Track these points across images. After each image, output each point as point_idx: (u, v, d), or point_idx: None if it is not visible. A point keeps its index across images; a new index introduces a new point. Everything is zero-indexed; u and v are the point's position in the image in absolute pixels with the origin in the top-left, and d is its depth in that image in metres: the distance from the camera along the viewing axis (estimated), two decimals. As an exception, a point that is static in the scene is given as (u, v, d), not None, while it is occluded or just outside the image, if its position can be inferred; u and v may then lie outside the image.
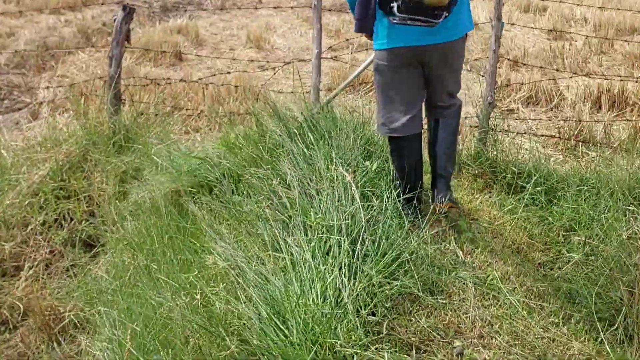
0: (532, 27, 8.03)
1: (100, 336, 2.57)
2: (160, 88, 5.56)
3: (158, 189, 3.06)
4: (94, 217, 3.73)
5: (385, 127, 2.92)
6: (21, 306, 3.11)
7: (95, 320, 2.80)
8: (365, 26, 2.81)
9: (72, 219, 3.73)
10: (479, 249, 2.88)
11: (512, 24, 6.93)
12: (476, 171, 3.85)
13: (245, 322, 1.87)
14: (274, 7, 12.50)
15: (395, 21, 2.68)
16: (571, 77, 5.49)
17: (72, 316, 3.00)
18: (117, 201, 3.63)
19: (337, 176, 2.62)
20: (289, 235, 2.34)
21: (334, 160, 2.75)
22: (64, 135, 4.08)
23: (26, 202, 3.70)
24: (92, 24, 10.72)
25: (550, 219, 3.52)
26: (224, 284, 2.07)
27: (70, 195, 3.81)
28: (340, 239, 2.29)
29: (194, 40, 9.59)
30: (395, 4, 2.65)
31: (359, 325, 2.02)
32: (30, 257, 3.56)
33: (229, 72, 7.17)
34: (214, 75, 6.22)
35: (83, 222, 3.71)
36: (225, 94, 6.58)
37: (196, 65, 8.34)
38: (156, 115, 4.36)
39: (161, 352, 2.02)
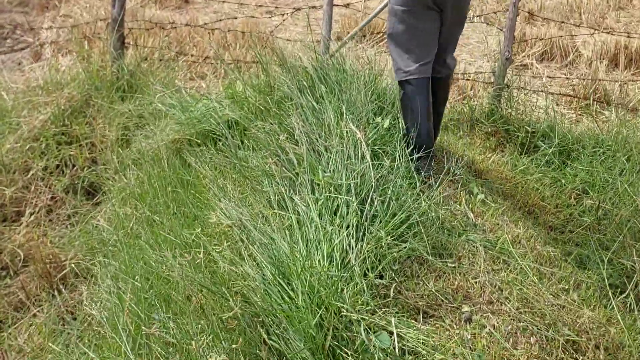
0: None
1: (100, 288, 2.53)
2: (165, 32, 5.39)
3: (161, 138, 2.96)
4: (96, 164, 3.66)
5: (401, 71, 2.82)
6: (21, 253, 3.07)
7: (96, 271, 2.75)
8: None
9: (74, 166, 3.66)
10: (490, 211, 2.80)
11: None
12: (489, 129, 3.74)
13: (249, 283, 1.81)
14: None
15: None
16: (592, 34, 5.29)
17: (72, 265, 2.96)
18: (119, 149, 3.55)
19: (347, 132, 2.52)
20: (296, 194, 2.26)
21: (345, 115, 2.65)
22: (66, 79, 3.96)
23: (27, 147, 3.62)
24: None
25: (563, 180, 3.43)
26: (228, 243, 2.00)
27: (72, 141, 3.72)
28: (349, 199, 2.21)
29: (201, -18, 9.32)
30: None
31: (365, 289, 1.96)
32: (32, 203, 3.50)
33: (235, 17, 6.97)
34: (221, 20, 6.03)
35: (85, 169, 3.64)
36: (232, 40, 6.41)
37: (202, 8, 8.12)
38: (160, 60, 4.22)
39: (162, 309, 1.97)
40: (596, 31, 4.66)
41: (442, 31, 2.91)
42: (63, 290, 2.92)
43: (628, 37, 5.00)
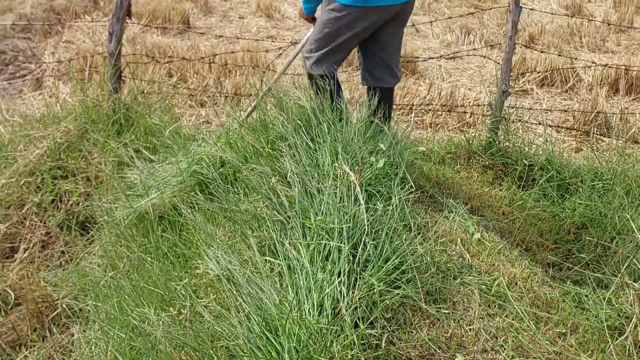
0: (549, 7, 7.80)
1: (90, 332, 2.50)
2: (164, 65, 5.43)
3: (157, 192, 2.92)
4: (91, 198, 3.64)
5: (320, 64, 3.08)
6: (12, 294, 3.04)
7: (87, 313, 2.72)
8: None
9: (69, 200, 3.64)
10: (487, 250, 2.76)
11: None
12: (486, 162, 3.72)
13: (235, 338, 1.77)
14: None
15: None
16: (590, 67, 5.28)
17: (64, 305, 2.93)
18: (115, 183, 3.53)
19: (341, 174, 2.49)
20: (287, 238, 2.23)
21: (340, 155, 2.62)
22: (63, 113, 3.96)
23: (22, 182, 3.61)
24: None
25: (561, 215, 3.40)
26: (215, 295, 1.97)
27: (67, 175, 3.71)
28: (341, 245, 2.17)
29: (202, 7, 9.39)
30: None
31: (356, 340, 1.92)
32: (26, 238, 3.48)
33: (238, 38, 7.00)
34: (217, 55, 6.05)
35: (80, 203, 3.62)
36: (232, 66, 6.44)
37: (205, 33, 8.16)
38: (159, 93, 4.22)
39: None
40: (595, 53, 4.64)
41: (388, 43, 3.21)
42: (54, 330, 2.88)
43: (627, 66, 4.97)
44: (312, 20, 3.33)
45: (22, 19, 9.04)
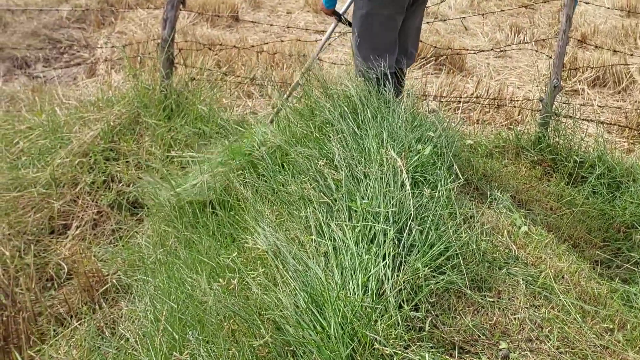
0: (605, 6, 7.61)
1: (139, 305, 2.57)
2: (213, 55, 5.51)
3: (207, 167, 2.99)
4: (142, 179, 3.73)
5: (371, 64, 3.14)
6: (65, 267, 3.15)
7: (136, 288, 2.80)
8: None
9: (120, 181, 3.74)
10: (534, 243, 2.73)
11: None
12: (535, 157, 3.67)
13: (281, 310, 1.80)
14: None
15: None
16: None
17: (114, 280, 3.02)
18: (164, 166, 3.62)
19: (387, 159, 2.50)
20: (333, 220, 2.25)
21: (386, 142, 2.63)
22: (116, 97, 4.07)
23: (76, 162, 3.72)
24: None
25: (611, 213, 3.33)
26: (263, 269, 2.01)
27: (119, 157, 3.81)
28: (386, 228, 2.19)
29: (251, 1, 9.51)
30: None
31: (400, 321, 1.93)
32: (78, 216, 3.59)
33: (288, 27, 7.07)
34: (267, 43, 6.10)
35: (131, 185, 3.72)
36: (279, 59, 6.50)
37: (252, 27, 8.26)
38: (209, 81, 4.30)
39: (197, 330, 1.98)
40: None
41: (410, 28, 3.38)
42: (104, 304, 2.97)
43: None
44: (333, 13, 3.41)
45: (77, 10, 9.30)
